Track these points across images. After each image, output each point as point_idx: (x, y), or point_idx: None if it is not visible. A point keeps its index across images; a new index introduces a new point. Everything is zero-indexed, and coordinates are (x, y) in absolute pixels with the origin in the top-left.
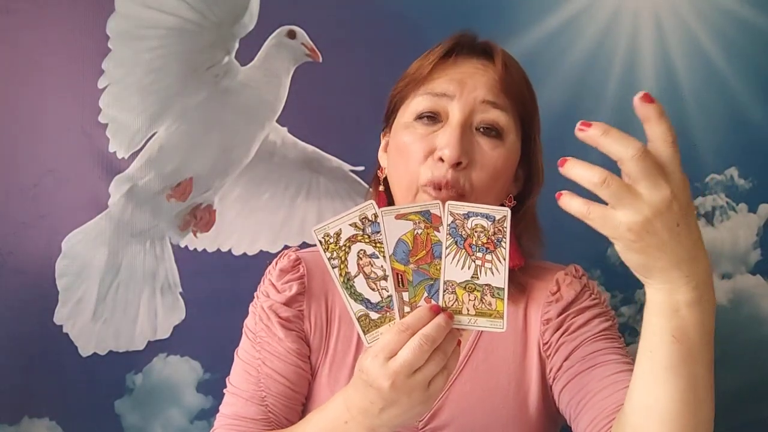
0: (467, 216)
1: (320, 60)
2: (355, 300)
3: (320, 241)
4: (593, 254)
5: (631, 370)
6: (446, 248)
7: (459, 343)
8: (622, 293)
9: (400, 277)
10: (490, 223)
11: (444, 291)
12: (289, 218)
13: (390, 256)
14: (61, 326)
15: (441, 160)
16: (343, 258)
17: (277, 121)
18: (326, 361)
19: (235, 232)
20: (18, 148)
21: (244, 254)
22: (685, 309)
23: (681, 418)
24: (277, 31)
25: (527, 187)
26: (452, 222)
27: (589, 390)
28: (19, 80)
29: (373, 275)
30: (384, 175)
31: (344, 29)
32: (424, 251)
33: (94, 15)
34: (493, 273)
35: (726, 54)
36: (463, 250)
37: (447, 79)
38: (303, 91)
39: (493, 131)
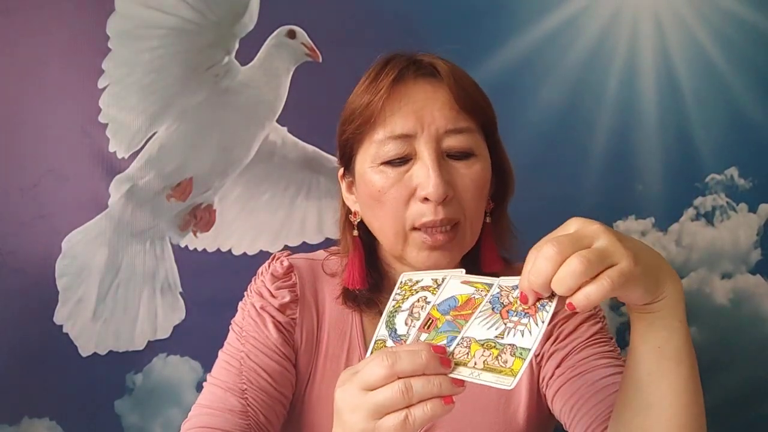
0: (515, 288)
1: (320, 60)
2: (387, 327)
3: (401, 282)
4: None
5: (620, 367)
6: (480, 311)
7: (449, 400)
8: None
9: (431, 321)
10: None
11: (458, 344)
12: (289, 218)
13: (434, 305)
14: (61, 326)
15: (426, 199)
16: (406, 296)
17: (277, 121)
18: (315, 381)
19: (235, 232)
20: (18, 148)
21: (244, 254)
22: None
23: (687, 409)
24: (277, 31)
25: (500, 188)
26: (498, 293)
27: (581, 395)
28: (20, 80)
29: (416, 315)
30: (358, 219)
31: (344, 29)
32: (470, 311)
33: (94, 15)
34: (522, 335)
35: (726, 54)
36: (498, 315)
37: (403, 116)
38: (303, 91)
39: (463, 154)
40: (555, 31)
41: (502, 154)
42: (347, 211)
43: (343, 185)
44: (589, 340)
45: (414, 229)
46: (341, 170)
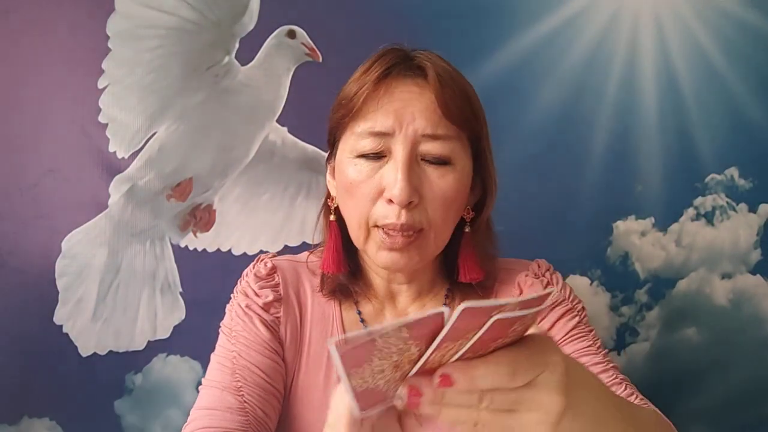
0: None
1: (320, 60)
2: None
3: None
4: (593, 254)
5: (599, 365)
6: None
7: None
8: (622, 293)
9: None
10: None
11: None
12: (289, 218)
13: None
14: (61, 326)
15: (391, 201)
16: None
17: (277, 121)
18: (299, 378)
19: (235, 232)
20: (18, 148)
21: (244, 254)
22: None
23: None
24: (277, 31)
25: (484, 197)
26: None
27: None
28: (20, 80)
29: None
30: (335, 205)
31: (344, 29)
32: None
33: (94, 15)
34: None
35: (726, 54)
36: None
37: (384, 114)
38: (303, 91)
39: (439, 161)
40: (555, 32)
41: (488, 165)
42: (327, 195)
43: (328, 169)
44: (567, 337)
45: (376, 226)
46: (328, 154)
